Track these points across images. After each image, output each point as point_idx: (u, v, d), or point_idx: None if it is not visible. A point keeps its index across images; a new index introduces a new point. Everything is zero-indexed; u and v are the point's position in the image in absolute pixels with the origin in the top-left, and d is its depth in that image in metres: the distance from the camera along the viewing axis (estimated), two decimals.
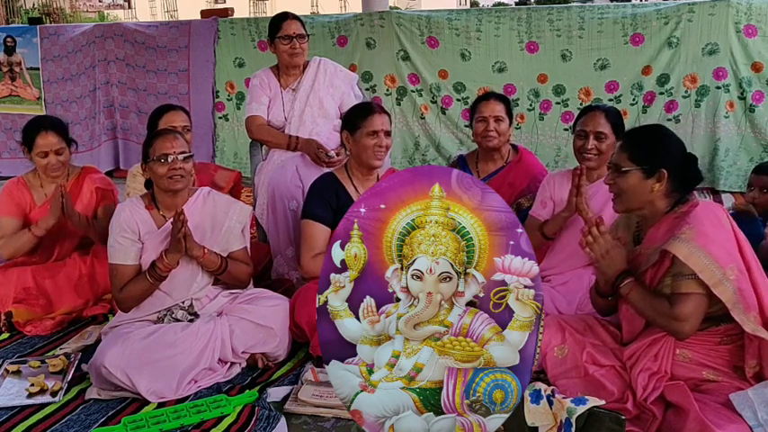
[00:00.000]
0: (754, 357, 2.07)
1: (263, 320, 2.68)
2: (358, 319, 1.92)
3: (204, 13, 6.95)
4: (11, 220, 3.25)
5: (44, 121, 3.34)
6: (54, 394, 2.54)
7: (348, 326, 1.92)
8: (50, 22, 13.92)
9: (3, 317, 3.13)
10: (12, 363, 2.79)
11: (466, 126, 5.39)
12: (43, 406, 2.49)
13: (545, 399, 1.91)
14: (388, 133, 2.92)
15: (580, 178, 2.78)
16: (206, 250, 2.69)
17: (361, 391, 1.93)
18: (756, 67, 4.96)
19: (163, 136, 2.73)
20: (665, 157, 2.17)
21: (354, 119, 2.94)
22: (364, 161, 2.92)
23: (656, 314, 2.09)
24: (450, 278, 1.87)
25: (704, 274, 1.99)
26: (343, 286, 1.91)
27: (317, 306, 1.94)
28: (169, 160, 2.64)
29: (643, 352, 2.19)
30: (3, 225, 3.24)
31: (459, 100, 5.56)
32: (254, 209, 3.75)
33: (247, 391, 2.52)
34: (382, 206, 1.89)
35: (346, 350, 1.93)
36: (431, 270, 1.87)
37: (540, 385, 1.95)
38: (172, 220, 2.65)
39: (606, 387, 2.19)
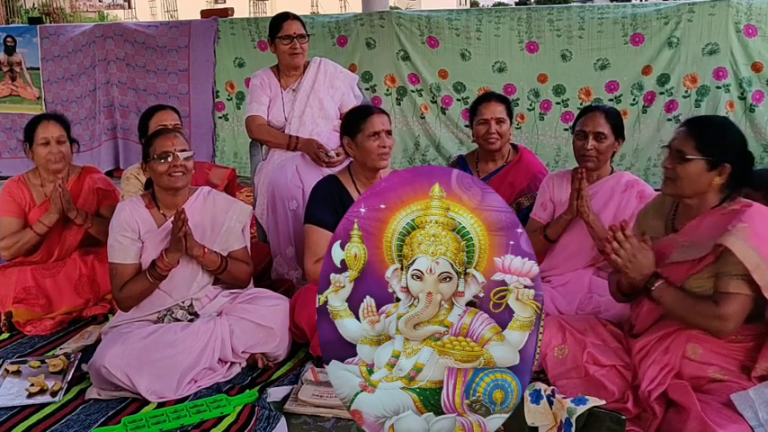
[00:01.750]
0: (766, 360, 2.06)
1: (263, 320, 2.68)
2: (358, 319, 1.92)
3: (204, 13, 6.95)
4: (11, 220, 3.25)
5: (46, 114, 3.38)
6: (54, 394, 2.54)
7: (348, 326, 1.92)
8: (50, 22, 13.92)
9: (3, 317, 3.13)
10: (12, 363, 2.79)
11: (466, 126, 5.39)
12: (43, 406, 2.49)
13: (545, 399, 1.91)
14: (389, 133, 2.89)
15: (581, 182, 2.78)
16: (206, 249, 2.69)
17: (361, 391, 1.93)
18: (756, 67, 4.96)
19: (163, 135, 2.73)
20: (732, 151, 2.11)
21: (354, 123, 2.90)
22: (370, 164, 2.88)
23: (698, 315, 2.04)
24: (450, 278, 1.87)
25: (757, 274, 1.95)
26: (343, 286, 1.91)
27: (317, 306, 1.94)
28: (169, 159, 2.64)
29: (653, 345, 2.17)
30: (4, 225, 3.24)
31: (459, 100, 5.56)
32: (254, 209, 3.75)
33: (247, 391, 2.52)
34: (382, 206, 1.89)
35: (346, 350, 1.93)
36: (431, 270, 1.87)
37: (540, 385, 1.95)
38: (172, 218, 2.65)
39: (607, 387, 2.18)
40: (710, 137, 2.12)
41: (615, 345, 2.31)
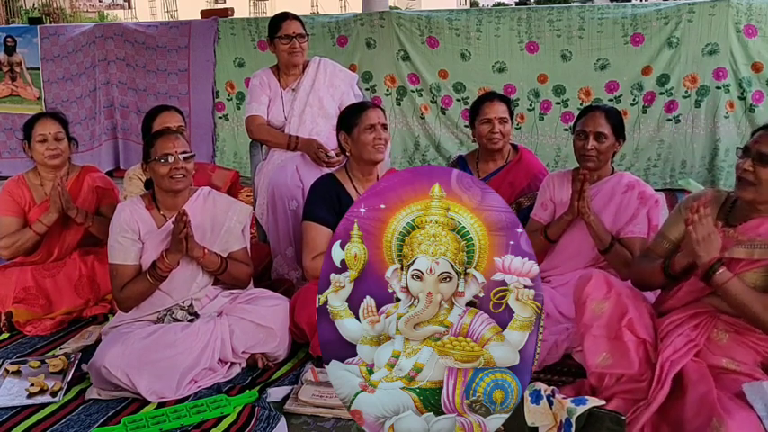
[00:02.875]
0: None
1: (263, 320, 2.68)
2: (358, 319, 1.92)
3: (204, 13, 6.95)
4: (11, 220, 3.25)
5: (44, 112, 3.39)
6: (54, 394, 2.54)
7: (348, 326, 1.92)
8: (50, 22, 13.92)
9: (3, 317, 3.13)
10: (12, 363, 2.79)
11: (466, 126, 5.39)
12: (43, 406, 2.49)
13: (545, 399, 1.91)
14: (384, 126, 2.91)
15: (583, 183, 2.78)
16: (206, 250, 2.69)
17: (361, 391, 1.93)
18: (756, 68, 4.96)
19: (164, 136, 2.73)
20: None
21: (349, 118, 2.93)
22: (366, 157, 2.90)
23: (764, 308, 2.03)
24: (450, 278, 1.87)
25: None
26: (343, 286, 1.92)
27: (317, 306, 1.94)
28: (170, 160, 2.64)
29: (685, 320, 2.18)
30: (3, 224, 3.24)
31: (459, 100, 5.56)
32: (253, 209, 3.75)
33: (247, 391, 2.52)
34: (382, 206, 1.89)
35: (346, 350, 1.94)
36: (431, 270, 1.87)
37: (540, 385, 1.94)
38: (173, 220, 2.65)
39: (630, 356, 2.16)
40: None
41: (649, 322, 2.28)
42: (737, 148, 2.25)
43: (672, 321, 2.21)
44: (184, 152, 2.68)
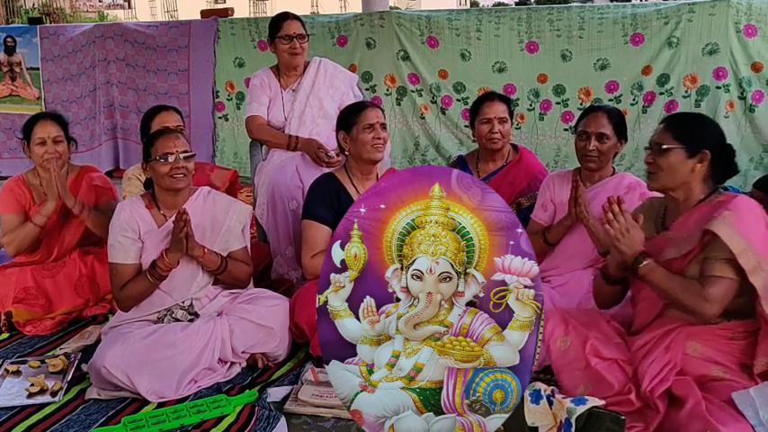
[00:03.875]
0: (765, 355, 2.07)
1: (262, 320, 2.68)
2: (358, 319, 1.92)
3: (204, 13, 6.95)
4: (13, 217, 3.25)
5: (44, 113, 3.39)
6: (54, 394, 2.54)
7: (348, 326, 1.92)
8: (50, 22, 13.92)
9: (3, 317, 3.13)
10: (12, 363, 2.79)
11: (466, 126, 5.39)
12: (43, 406, 2.49)
13: (545, 399, 1.91)
14: (383, 126, 2.92)
15: (576, 189, 2.78)
16: (206, 250, 2.69)
17: (361, 391, 1.93)
18: (756, 67, 4.96)
19: (165, 135, 2.73)
20: (709, 138, 2.19)
21: (348, 117, 2.94)
22: (365, 157, 2.90)
23: (685, 292, 2.07)
24: (450, 278, 1.87)
25: (743, 258, 1.99)
26: (343, 286, 1.91)
27: (317, 306, 1.94)
28: (171, 159, 2.64)
29: (655, 343, 2.18)
30: (6, 222, 3.24)
31: (459, 100, 5.56)
32: (254, 209, 3.75)
33: (247, 391, 2.52)
34: (382, 206, 1.89)
35: (346, 350, 1.94)
36: (431, 270, 1.87)
37: (540, 385, 1.94)
38: (174, 219, 2.65)
39: (606, 380, 2.18)
40: (686, 127, 2.22)
41: (617, 340, 2.31)
42: (645, 148, 2.35)
43: (642, 348, 2.21)
44: (185, 151, 2.68)
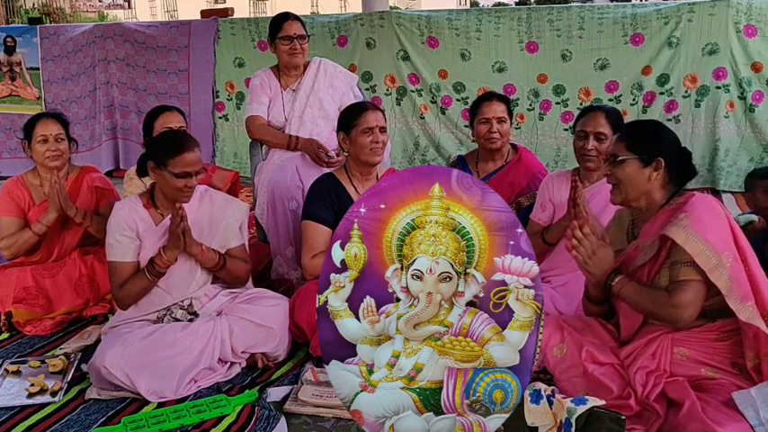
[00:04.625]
0: (751, 350, 2.07)
1: (262, 320, 2.68)
2: (358, 319, 1.92)
3: (204, 13, 6.96)
4: (11, 220, 3.25)
5: (45, 113, 3.41)
6: (54, 394, 2.54)
7: (348, 326, 1.92)
8: (50, 22, 13.91)
9: (3, 317, 3.13)
10: (12, 363, 2.79)
11: (466, 126, 5.39)
12: (43, 406, 2.49)
13: (545, 399, 1.91)
14: (383, 129, 2.92)
15: (575, 190, 2.78)
16: (204, 247, 2.70)
17: (361, 391, 1.93)
18: (756, 67, 4.96)
19: (190, 151, 2.65)
20: (662, 146, 2.22)
21: (348, 119, 2.94)
22: (363, 159, 2.91)
23: (654, 304, 2.11)
24: (450, 278, 1.87)
25: (700, 259, 2.01)
26: (343, 286, 1.92)
27: (317, 306, 1.94)
28: (189, 178, 2.64)
29: (640, 351, 2.19)
30: (3, 225, 3.25)
31: (458, 100, 5.56)
32: (253, 209, 3.75)
33: (247, 390, 2.52)
34: (382, 206, 1.89)
35: (346, 350, 1.94)
36: (431, 270, 1.87)
37: (540, 385, 1.94)
38: (170, 215, 2.65)
39: (605, 385, 2.19)
40: (638, 136, 2.24)
41: (613, 344, 2.32)
42: (603, 160, 2.40)
43: (628, 356, 2.23)
44: (198, 172, 2.68)
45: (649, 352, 2.17)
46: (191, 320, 2.67)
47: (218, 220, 2.80)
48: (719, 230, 2.07)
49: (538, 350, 1.88)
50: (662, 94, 5.14)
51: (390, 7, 6.99)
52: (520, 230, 1.85)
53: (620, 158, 2.22)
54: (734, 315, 2.07)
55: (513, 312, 1.85)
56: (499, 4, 25.53)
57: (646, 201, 2.25)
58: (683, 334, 2.15)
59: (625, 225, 2.41)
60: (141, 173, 2.79)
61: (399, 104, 5.73)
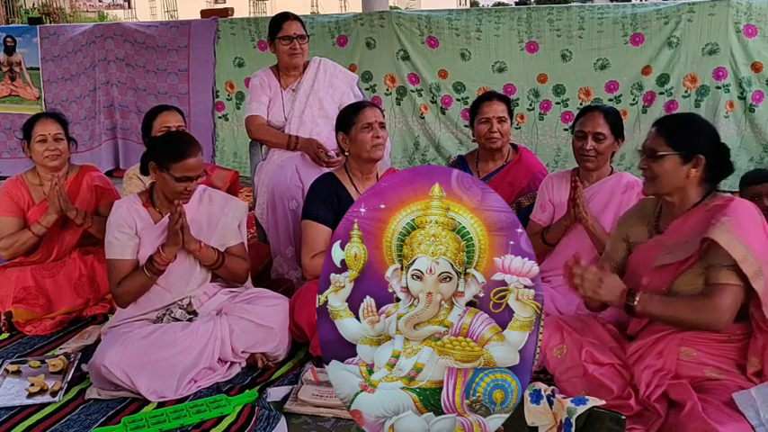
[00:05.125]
0: (756, 355, 2.06)
1: (262, 320, 2.68)
2: (358, 319, 1.92)
3: (204, 13, 6.97)
4: (10, 220, 3.25)
5: (44, 113, 3.42)
6: (54, 394, 2.54)
7: (348, 326, 1.93)
8: (50, 22, 13.91)
9: (3, 317, 3.13)
10: (12, 363, 2.79)
11: (466, 126, 5.39)
12: (43, 406, 2.49)
13: (545, 399, 1.91)
14: (382, 125, 2.92)
15: (575, 189, 2.78)
16: (203, 244, 2.70)
17: (361, 391, 1.93)
18: (756, 67, 4.96)
19: (192, 157, 2.66)
20: (703, 143, 2.15)
21: (347, 118, 2.94)
22: (365, 156, 2.90)
23: (692, 310, 2.02)
24: (450, 278, 1.87)
25: (745, 265, 1.96)
26: (343, 286, 1.92)
27: (317, 306, 1.94)
28: (189, 182, 2.66)
29: (647, 349, 2.18)
30: (3, 225, 3.24)
31: (458, 100, 5.56)
32: (253, 208, 3.75)
33: (247, 390, 2.52)
34: (382, 206, 1.89)
35: (346, 350, 1.94)
36: (431, 270, 1.87)
37: (540, 385, 1.95)
38: (169, 213, 2.65)
39: (606, 385, 2.19)
40: (680, 132, 2.18)
41: (613, 344, 2.32)
42: (637, 150, 2.32)
43: (634, 353, 2.21)
44: (199, 176, 2.69)
45: (656, 350, 2.16)
46: (190, 320, 2.67)
47: (217, 218, 2.81)
48: (759, 238, 2.04)
49: (538, 350, 1.88)
50: (662, 94, 5.14)
51: (390, 7, 6.99)
52: (520, 230, 1.85)
53: (659, 154, 2.15)
54: (745, 320, 2.06)
55: (513, 312, 1.85)
56: (499, 3, 25.53)
57: (679, 197, 2.19)
58: (691, 334, 2.12)
59: (648, 216, 2.34)
60: (145, 171, 2.79)
61: (399, 104, 5.73)
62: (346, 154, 3.01)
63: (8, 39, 6.64)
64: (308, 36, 3.64)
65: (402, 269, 1.90)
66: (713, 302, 2.00)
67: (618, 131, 2.87)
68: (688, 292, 2.09)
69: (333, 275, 1.92)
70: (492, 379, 1.86)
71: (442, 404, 1.89)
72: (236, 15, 7.04)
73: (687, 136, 2.16)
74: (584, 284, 2.06)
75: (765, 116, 5.00)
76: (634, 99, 5.19)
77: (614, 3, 7.28)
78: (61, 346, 2.97)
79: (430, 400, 1.90)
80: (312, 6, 23.68)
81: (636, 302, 2.05)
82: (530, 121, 5.48)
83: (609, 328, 2.39)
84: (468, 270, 1.87)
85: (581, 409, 1.85)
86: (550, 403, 1.91)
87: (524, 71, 5.37)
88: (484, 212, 1.85)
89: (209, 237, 2.77)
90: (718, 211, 2.08)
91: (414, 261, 1.88)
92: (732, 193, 4.40)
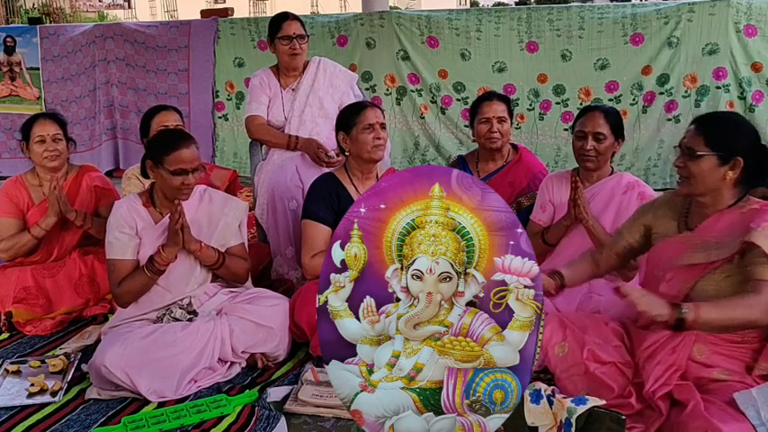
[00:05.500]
0: (767, 360, 2.06)
1: (262, 320, 2.68)
2: (358, 319, 1.92)
3: (204, 13, 6.97)
4: (10, 221, 3.25)
5: (42, 113, 3.41)
6: (54, 394, 2.54)
7: (348, 326, 1.92)
8: (50, 22, 13.91)
9: (3, 317, 3.13)
10: (12, 363, 2.79)
11: (466, 126, 5.39)
12: (43, 406, 2.49)
13: (545, 399, 1.91)
14: (383, 125, 2.92)
15: (575, 190, 2.78)
16: (203, 244, 2.70)
17: (361, 391, 1.93)
18: (756, 67, 4.96)
19: (186, 148, 2.67)
20: (742, 145, 2.09)
21: (348, 118, 2.94)
22: (365, 157, 2.91)
23: (748, 308, 1.93)
24: (450, 278, 1.87)
25: None
26: (343, 286, 1.92)
27: (317, 306, 1.94)
28: (186, 175, 2.65)
29: (661, 345, 2.16)
30: (2, 227, 3.24)
31: (458, 100, 5.56)
32: (253, 209, 3.75)
33: (247, 390, 2.52)
34: (382, 206, 1.89)
35: (346, 350, 1.94)
36: (431, 270, 1.87)
37: (540, 385, 1.94)
38: (169, 213, 2.65)
39: (606, 384, 2.18)
40: (719, 132, 2.11)
41: (615, 343, 2.31)
42: (674, 147, 2.27)
43: (648, 347, 2.18)
44: (196, 169, 2.68)
45: (670, 346, 2.14)
46: (190, 320, 2.67)
47: (217, 218, 2.81)
48: None
49: (538, 350, 1.88)
50: (662, 93, 5.14)
51: (390, 7, 6.99)
52: (520, 230, 1.85)
53: (697, 153, 2.10)
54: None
55: (513, 312, 1.85)
56: (499, 3, 25.52)
57: (713, 197, 2.15)
58: (706, 333, 2.10)
59: (677, 213, 2.30)
60: (145, 173, 2.80)
61: (399, 104, 5.73)
62: (346, 154, 3.01)
63: (8, 39, 6.64)
64: (308, 36, 3.64)
65: (402, 269, 1.90)
66: (766, 298, 1.94)
67: (618, 131, 2.87)
68: (712, 293, 2.06)
69: (333, 275, 1.92)
70: (492, 379, 1.86)
71: (442, 404, 1.89)
72: (236, 15, 7.04)
73: (727, 137, 2.11)
74: (642, 299, 1.94)
75: (765, 116, 5.01)
76: (634, 99, 5.19)
77: (614, 3, 7.28)
78: (61, 346, 2.97)
79: (430, 400, 1.90)
80: (312, 6, 23.67)
81: (685, 314, 1.91)
82: (530, 121, 5.48)
83: (612, 327, 2.38)
84: (468, 270, 1.87)
85: (581, 409, 1.85)
86: (550, 403, 1.91)
87: (524, 71, 5.37)
88: (484, 212, 1.85)
89: (210, 237, 2.77)
90: (756, 216, 2.05)
91: (414, 261, 1.88)
92: None
